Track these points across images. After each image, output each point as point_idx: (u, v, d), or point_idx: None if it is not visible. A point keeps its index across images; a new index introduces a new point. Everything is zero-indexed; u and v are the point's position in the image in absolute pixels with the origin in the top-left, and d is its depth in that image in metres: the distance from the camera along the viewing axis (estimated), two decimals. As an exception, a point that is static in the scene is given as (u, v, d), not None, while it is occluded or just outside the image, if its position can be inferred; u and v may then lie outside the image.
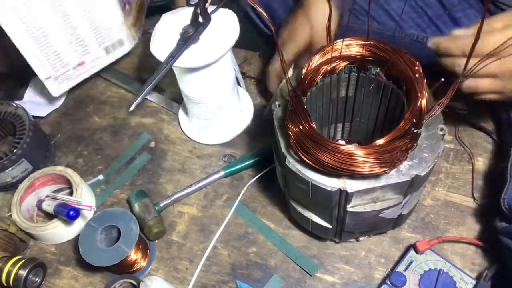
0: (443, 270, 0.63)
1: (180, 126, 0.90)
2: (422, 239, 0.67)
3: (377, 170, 0.50)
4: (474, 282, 0.62)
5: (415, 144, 0.52)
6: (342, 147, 0.50)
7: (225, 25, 0.72)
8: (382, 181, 0.52)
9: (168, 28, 0.72)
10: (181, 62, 0.68)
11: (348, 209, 0.55)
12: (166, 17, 0.74)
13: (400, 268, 0.65)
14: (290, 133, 0.53)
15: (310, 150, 0.51)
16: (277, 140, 0.57)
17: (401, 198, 0.55)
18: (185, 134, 0.89)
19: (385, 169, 0.50)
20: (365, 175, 0.50)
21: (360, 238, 0.70)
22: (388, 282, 0.64)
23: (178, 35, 0.69)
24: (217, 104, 0.80)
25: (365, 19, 0.85)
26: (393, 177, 0.52)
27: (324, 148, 0.50)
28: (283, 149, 0.55)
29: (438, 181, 0.75)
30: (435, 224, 0.71)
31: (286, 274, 0.70)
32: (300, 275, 0.70)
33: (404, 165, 0.52)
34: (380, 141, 0.50)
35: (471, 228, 0.70)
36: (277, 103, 0.59)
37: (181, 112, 0.91)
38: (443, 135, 0.53)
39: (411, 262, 0.65)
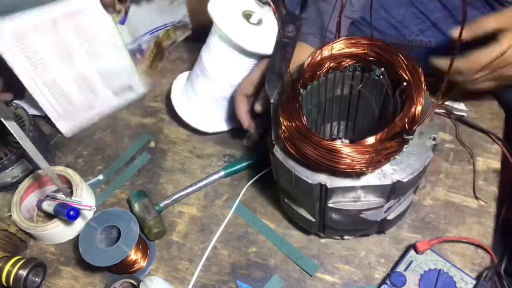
0: (443, 270, 0.63)
1: (174, 109, 0.86)
2: (422, 239, 0.67)
3: (357, 168, 0.50)
4: (474, 282, 0.62)
5: (401, 149, 0.52)
6: (325, 142, 0.50)
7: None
8: (363, 181, 0.52)
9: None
10: (257, 47, 0.69)
11: (329, 205, 0.56)
12: None
13: (400, 268, 0.65)
14: (280, 122, 0.54)
15: (295, 142, 0.52)
16: (270, 129, 0.58)
17: (383, 202, 0.55)
18: (182, 119, 0.85)
19: (365, 168, 0.50)
20: (345, 171, 0.51)
21: (345, 237, 0.71)
22: (388, 282, 0.64)
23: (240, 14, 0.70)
24: (231, 84, 0.79)
25: (366, 30, 0.85)
26: (374, 179, 0.52)
27: (308, 141, 0.51)
28: (273, 137, 0.56)
29: (438, 181, 0.75)
30: (435, 224, 0.71)
31: (286, 274, 0.70)
32: (300, 275, 0.70)
33: (389, 169, 0.52)
34: (367, 141, 0.51)
35: (471, 228, 0.70)
36: (276, 92, 0.60)
37: (177, 93, 0.87)
38: (435, 145, 0.53)
39: (411, 262, 0.65)
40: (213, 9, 0.70)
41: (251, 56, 0.73)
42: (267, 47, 0.69)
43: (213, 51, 0.76)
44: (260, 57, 0.73)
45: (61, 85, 0.85)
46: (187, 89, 0.85)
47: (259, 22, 0.72)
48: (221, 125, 0.86)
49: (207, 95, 0.81)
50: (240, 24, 0.71)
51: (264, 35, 0.71)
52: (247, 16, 0.72)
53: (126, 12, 0.85)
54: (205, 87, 0.80)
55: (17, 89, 0.87)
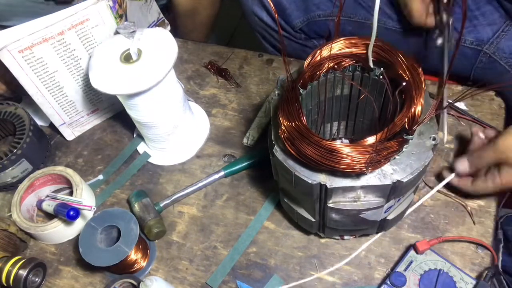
0: (443, 270, 0.63)
1: (138, 152, 0.88)
2: (422, 239, 0.67)
3: (357, 168, 0.50)
4: (474, 282, 0.62)
5: (401, 149, 0.52)
6: (325, 142, 0.50)
7: (161, 44, 0.71)
8: (363, 181, 0.52)
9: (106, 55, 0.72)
10: (126, 89, 0.68)
11: (329, 205, 0.56)
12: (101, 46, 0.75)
13: (400, 268, 0.65)
14: (279, 122, 0.54)
15: (295, 142, 0.52)
16: (270, 129, 0.58)
17: (383, 202, 0.55)
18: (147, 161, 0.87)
19: (364, 168, 0.50)
20: (345, 171, 0.51)
21: (345, 237, 0.71)
22: (388, 282, 0.64)
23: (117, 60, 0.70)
24: (171, 124, 0.79)
25: (380, 17, 0.85)
26: (374, 179, 0.52)
27: (308, 141, 0.51)
28: (272, 138, 0.56)
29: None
30: (435, 224, 0.71)
31: (286, 274, 0.70)
32: (300, 275, 0.70)
33: (388, 169, 0.52)
34: (367, 141, 0.51)
35: (471, 228, 0.70)
36: (276, 92, 0.60)
37: (137, 138, 0.89)
38: (435, 145, 0.53)
39: (411, 262, 0.65)
40: (97, 83, 0.69)
41: (153, 88, 0.70)
42: (156, 75, 0.68)
43: (130, 107, 0.75)
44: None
45: (67, 94, 0.84)
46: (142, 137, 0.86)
47: (139, 54, 0.70)
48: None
49: (158, 135, 0.81)
50: (121, 73, 0.69)
51: (146, 68, 0.69)
52: (127, 57, 0.70)
53: (126, 16, 0.85)
54: (151, 131, 0.80)
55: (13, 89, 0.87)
